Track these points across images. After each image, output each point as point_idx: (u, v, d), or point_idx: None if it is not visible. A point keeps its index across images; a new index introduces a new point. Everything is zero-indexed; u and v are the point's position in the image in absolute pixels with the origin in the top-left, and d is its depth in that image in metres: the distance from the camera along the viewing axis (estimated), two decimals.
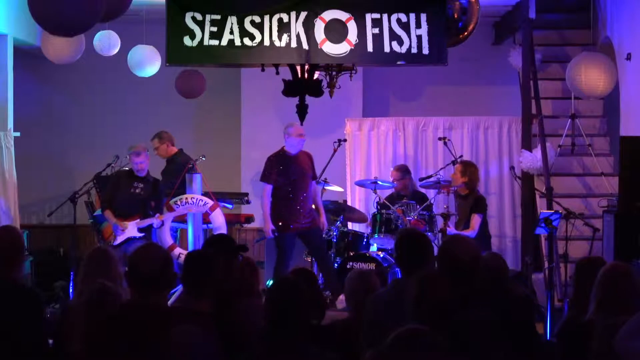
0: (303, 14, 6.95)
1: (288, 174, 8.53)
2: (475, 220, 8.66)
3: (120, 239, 8.42)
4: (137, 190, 8.53)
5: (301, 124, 7.38)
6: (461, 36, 7.25)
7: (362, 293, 4.62)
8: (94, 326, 3.78)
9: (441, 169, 9.55)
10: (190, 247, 9.16)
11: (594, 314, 3.90)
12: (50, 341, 4.32)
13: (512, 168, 9.90)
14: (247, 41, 6.95)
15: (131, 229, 8.44)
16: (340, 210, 9.37)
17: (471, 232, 8.56)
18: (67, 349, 4.10)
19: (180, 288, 8.79)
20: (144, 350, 3.50)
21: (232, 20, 6.95)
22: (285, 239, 8.52)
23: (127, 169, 8.93)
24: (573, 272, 4.54)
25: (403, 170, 9.53)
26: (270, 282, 8.32)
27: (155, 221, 8.52)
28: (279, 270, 8.32)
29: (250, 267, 4.81)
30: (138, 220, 8.47)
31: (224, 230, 8.90)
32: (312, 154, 8.86)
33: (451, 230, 8.59)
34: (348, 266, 8.50)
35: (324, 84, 7.36)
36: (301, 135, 8.56)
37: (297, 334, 3.41)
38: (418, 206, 8.92)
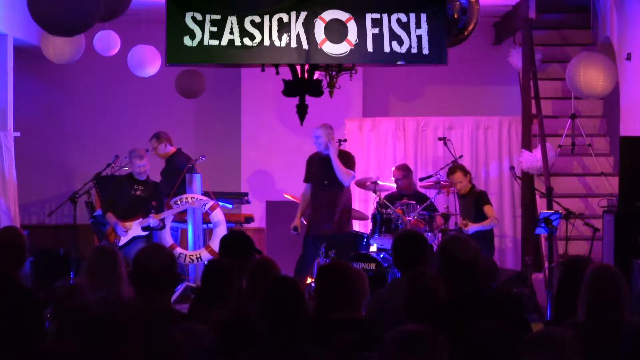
0: (303, 14, 6.95)
1: None
2: (490, 210, 8.72)
3: (124, 239, 8.40)
4: (138, 193, 8.52)
5: (301, 124, 7.38)
6: (461, 36, 7.25)
7: None
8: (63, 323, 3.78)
9: (441, 169, 9.54)
10: (190, 247, 9.17)
11: (584, 317, 3.89)
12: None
13: (512, 168, 9.90)
14: (247, 41, 6.95)
15: (135, 229, 8.42)
16: None
17: (491, 223, 8.65)
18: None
19: (181, 288, 8.86)
20: (147, 350, 3.50)
21: (232, 20, 6.95)
22: None
23: (125, 173, 8.91)
24: (559, 274, 4.56)
25: (405, 169, 9.51)
26: None
27: (151, 221, 8.47)
28: None
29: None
30: (140, 219, 8.46)
31: (224, 230, 8.91)
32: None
33: (473, 227, 8.59)
34: None
35: (324, 84, 7.35)
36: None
37: (295, 333, 3.40)
38: (418, 206, 8.91)
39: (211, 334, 3.20)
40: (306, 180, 8.71)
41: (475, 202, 8.77)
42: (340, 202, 8.51)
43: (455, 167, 9.11)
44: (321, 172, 8.52)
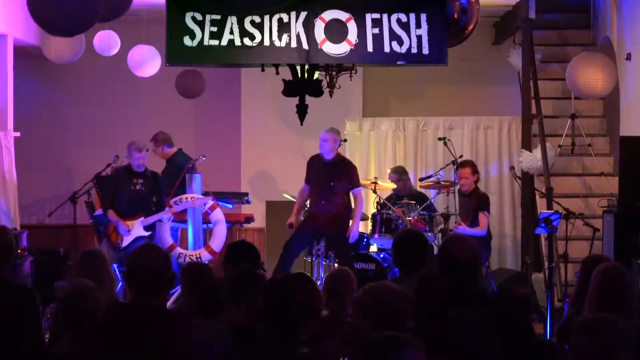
0: (303, 14, 6.95)
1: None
2: (484, 218, 8.63)
3: (127, 240, 8.38)
4: (138, 187, 8.49)
5: (301, 124, 7.37)
6: (461, 36, 7.25)
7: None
8: (72, 326, 3.79)
9: (441, 169, 9.54)
10: (190, 247, 9.16)
11: (588, 313, 3.90)
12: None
13: (512, 168, 9.90)
14: (247, 41, 6.95)
15: (137, 229, 8.39)
16: None
17: (481, 230, 8.52)
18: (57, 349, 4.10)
19: (179, 288, 8.84)
20: (143, 351, 3.50)
21: (232, 20, 6.96)
22: None
23: (124, 165, 8.87)
24: (579, 270, 4.55)
25: (399, 172, 9.50)
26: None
27: (165, 215, 8.51)
28: None
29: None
30: (142, 218, 8.44)
31: (224, 230, 8.91)
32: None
33: (464, 228, 8.52)
34: None
35: (324, 84, 7.35)
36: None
37: (290, 334, 3.40)
38: (418, 206, 8.91)
39: (227, 332, 3.20)
40: (306, 182, 8.71)
41: (475, 204, 8.73)
42: (338, 207, 8.50)
43: (467, 161, 9.05)
44: (321, 177, 8.50)
